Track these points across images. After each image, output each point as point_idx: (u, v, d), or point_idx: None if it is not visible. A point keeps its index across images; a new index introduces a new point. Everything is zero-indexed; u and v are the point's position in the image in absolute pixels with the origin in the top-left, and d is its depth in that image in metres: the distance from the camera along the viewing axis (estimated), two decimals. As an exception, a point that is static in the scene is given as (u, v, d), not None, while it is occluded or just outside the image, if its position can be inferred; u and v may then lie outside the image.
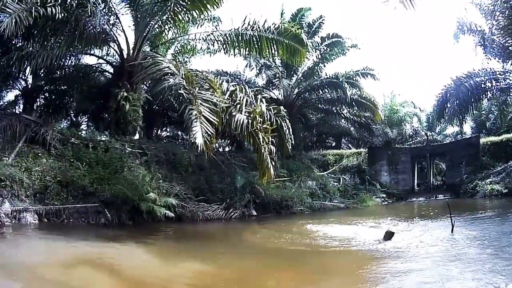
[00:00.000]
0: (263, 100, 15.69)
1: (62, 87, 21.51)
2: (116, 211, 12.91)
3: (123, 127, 17.43)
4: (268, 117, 15.03)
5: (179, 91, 13.13)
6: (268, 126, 13.94)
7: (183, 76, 13.40)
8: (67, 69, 19.92)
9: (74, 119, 24.54)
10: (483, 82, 22.45)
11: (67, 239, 9.67)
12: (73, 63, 19.74)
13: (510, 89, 22.84)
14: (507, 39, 19.83)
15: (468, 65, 53.86)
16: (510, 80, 22.45)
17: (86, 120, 25.13)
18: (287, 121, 16.22)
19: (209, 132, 11.95)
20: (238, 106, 14.20)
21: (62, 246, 8.99)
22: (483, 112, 38.96)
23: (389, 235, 11.12)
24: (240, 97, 14.65)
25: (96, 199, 12.67)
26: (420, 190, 30.37)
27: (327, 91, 28.07)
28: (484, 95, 23.63)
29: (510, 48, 20.05)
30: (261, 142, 13.24)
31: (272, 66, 27.60)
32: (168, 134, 29.48)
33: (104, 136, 16.36)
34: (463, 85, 22.17)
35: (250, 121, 13.51)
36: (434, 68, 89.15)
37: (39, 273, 6.80)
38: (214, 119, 12.34)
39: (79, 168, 13.16)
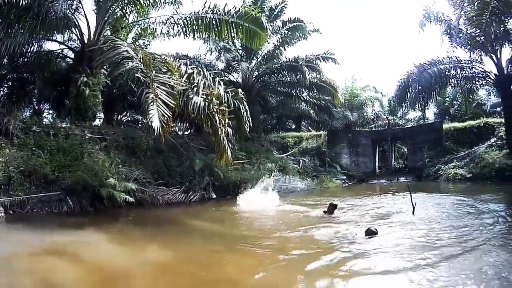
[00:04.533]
0: (221, 82, 16.08)
1: (25, 75, 21.50)
2: (78, 199, 13.15)
3: (83, 112, 17.48)
4: (226, 99, 15.38)
5: (136, 75, 13.31)
6: (225, 108, 14.36)
7: (141, 60, 13.67)
8: (29, 56, 19.85)
9: (37, 107, 24.36)
10: (447, 70, 23.03)
11: (32, 230, 9.94)
12: (35, 50, 19.60)
13: (476, 77, 23.52)
14: (474, 29, 20.39)
15: (433, 53, 54.86)
16: (476, 69, 23.15)
17: (48, 107, 25.01)
18: (245, 103, 16.59)
19: (166, 115, 12.29)
20: (196, 88, 14.54)
21: (28, 237, 9.25)
22: (447, 98, 40.02)
23: (332, 208, 11.91)
24: (198, 80, 14.97)
25: (58, 187, 12.87)
26: (382, 173, 31.22)
27: (287, 75, 28.51)
28: (448, 82, 24.25)
29: (477, 38, 20.61)
30: (218, 124, 13.67)
31: (232, 49, 27.84)
32: (128, 118, 29.43)
33: (65, 123, 16.44)
34: (426, 71, 22.72)
35: (207, 103, 13.90)
36: (398, 54, 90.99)
37: (6, 264, 7.12)
38: (171, 102, 12.68)
39: (40, 157, 13.27)
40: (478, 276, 6.38)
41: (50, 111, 24.49)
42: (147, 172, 16.61)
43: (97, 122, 20.12)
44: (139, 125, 25.73)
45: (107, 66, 19.93)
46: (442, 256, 7.38)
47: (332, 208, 11.85)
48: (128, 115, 29.69)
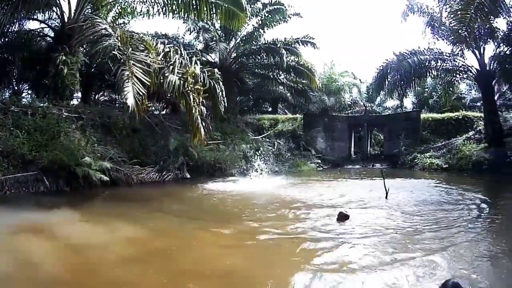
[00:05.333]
0: (198, 62, 16.08)
1: (5, 55, 21.43)
2: (54, 178, 13.18)
3: (60, 91, 17.42)
4: (202, 79, 15.41)
5: (113, 52, 13.42)
6: (200, 87, 14.49)
7: (119, 37, 13.75)
8: (10, 36, 19.84)
9: (16, 88, 24.21)
10: (427, 61, 23.08)
11: (8, 210, 10.04)
12: (16, 30, 19.64)
13: (457, 71, 23.65)
14: (458, 23, 20.44)
15: (415, 44, 55.26)
16: (457, 62, 23.32)
17: (27, 88, 24.87)
18: (221, 83, 16.65)
19: (141, 93, 12.43)
20: (172, 67, 14.61)
21: (4, 216, 9.36)
22: (427, 89, 40.71)
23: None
24: (175, 59, 15.05)
25: (35, 167, 12.89)
26: (357, 158, 31.56)
27: (265, 57, 28.57)
28: (428, 73, 24.23)
29: (459, 31, 20.68)
30: (192, 103, 13.80)
31: (211, 29, 27.68)
32: (105, 98, 29.34)
33: (43, 102, 16.32)
34: (406, 60, 22.71)
35: (182, 82, 14.02)
36: (380, 43, 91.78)
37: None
38: (146, 80, 12.83)
39: (18, 137, 13.25)
40: (446, 252, 6.83)
41: (29, 92, 24.39)
42: (122, 151, 16.72)
43: (75, 101, 20.08)
44: (116, 105, 25.71)
45: (86, 44, 19.88)
46: (410, 237, 7.84)
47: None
48: (105, 94, 29.62)
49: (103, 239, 8.07)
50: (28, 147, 13.06)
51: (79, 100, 22.32)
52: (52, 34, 20.61)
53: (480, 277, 5.81)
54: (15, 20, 18.39)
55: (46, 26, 20.75)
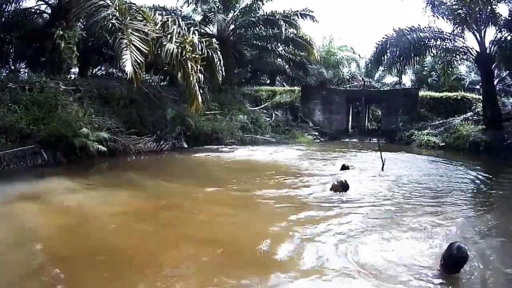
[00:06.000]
0: (196, 32, 16.23)
1: (1, 35, 21.40)
2: (52, 151, 13.32)
3: (58, 66, 17.46)
4: (200, 48, 15.56)
5: (111, 21, 13.62)
6: (197, 56, 14.68)
7: (116, 8, 13.89)
8: (7, 16, 19.86)
9: (13, 67, 24.21)
10: (427, 39, 22.67)
11: (8, 182, 10.25)
12: (12, 9, 19.68)
13: (457, 51, 23.44)
14: (457, 2, 20.27)
15: (415, 21, 54.94)
16: (457, 43, 23.17)
17: (24, 66, 24.84)
18: (219, 53, 16.82)
19: (138, 61, 12.71)
20: (170, 36, 14.81)
21: (4, 188, 9.56)
22: (426, 68, 40.57)
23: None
24: (173, 29, 15.24)
25: (32, 141, 12.98)
26: (355, 132, 31.38)
27: (263, 28, 28.66)
28: (427, 51, 24.01)
29: (459, 11, 20.53)
30: (190, 70, 14.01)
31: (209, 0, 27.81)
32: (102, 72, 29.33)
33: (40, 77, 16.30)
34: (405, 37, 22.41)
35: (180, 50, 14.21)
36: (380, 19, 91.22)
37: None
38: (144, 48, 13.08)
39: (16, 112, 13.31)
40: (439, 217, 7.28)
41: (26, 70, 24.37)
42: (120, 122, 16.86)
43: (72, 76, 20.15)
44: (113, 78, 25.76)
45: (83, 18, 19.88)
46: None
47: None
48: (103, 69, 29.64)
49: (100, 205, 8.45)
50: (26, 121, 13.13)
51: (76, 75, 22.35)
52: (49, 11, 20.61)
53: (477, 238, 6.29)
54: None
55: (43, 2, 20.56)
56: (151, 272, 5.33)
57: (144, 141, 17.36)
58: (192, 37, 15.18)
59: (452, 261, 4.99)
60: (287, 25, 27.14)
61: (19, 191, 9.20)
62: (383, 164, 12.95)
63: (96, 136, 14.22)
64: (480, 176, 12.73)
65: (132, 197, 9.15)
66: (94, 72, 27.64)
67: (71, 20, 17.95)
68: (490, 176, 12.81)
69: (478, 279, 5.12)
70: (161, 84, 23.73)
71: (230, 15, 28.60)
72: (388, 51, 24.19)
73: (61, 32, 17.23)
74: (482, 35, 21.78)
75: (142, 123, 18.07)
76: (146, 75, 21.86)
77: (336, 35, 50.14)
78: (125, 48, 12.60)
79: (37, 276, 5.08)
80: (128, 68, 12.16)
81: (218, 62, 16.52)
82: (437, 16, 22.60)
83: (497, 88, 28.42)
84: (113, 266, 5.46)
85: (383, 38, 24.15)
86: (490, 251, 6.00)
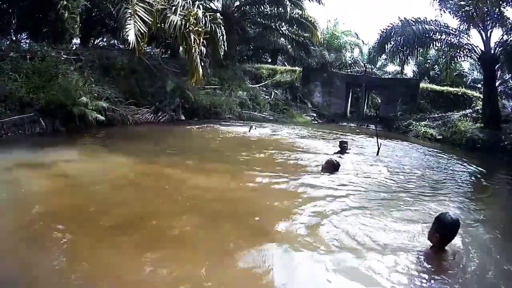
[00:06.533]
0: (200, 6, 16.16)
1: (4, 5, 21.15)
2: (51, 119, 13.46)
3: (60, 35, 17.58)
4: (204, 22, 15.47)
5: (116, -11, 13.81)
6: (201, 29, 14.70)
7: (122, -22, 14.07)
8: None
9: (14, 38, 24.17)
10: (432, 32, 22.41)
11: (5, 150, 10.32)
12: None
13: (461, 47, 23.39)
14: (466, 0, 20.25)
15: (422, 13, 55.04)
16: (462, 39, 22.98)
17: (25, 37, 24.77)
18: (222, 28, 16.78)
19: (142, 31, 12.82)
20: (174, 8, 14.79)
21: (2, 155, 9.67)
22: (429, 60, 40.43)
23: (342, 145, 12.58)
24: (177, 1, 15.17)
25: (32, 109, 13.11)
26: (353, 117, 31.40)
27: (268, 7, 28.63)
28: (431, 44, 23.79)
29: (466, 8, 20.46)
30: (192, 43, 14.08)
31: (216, -24, 27.78)
32: (104, 44, 29.31)
33: (41, 47, 16.30)
34: (410, 27, 22.25)
35: (184, 22, 14.23)
36: (387, 8, 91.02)
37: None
38: (148, 19, 13.19)
39: (16, 80, 13.38)
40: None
41: (27, 41, 24.31)
42: (120, 92, 17.09)
43: (74, 47, 20.17)
44: (115, 49, 25.76)
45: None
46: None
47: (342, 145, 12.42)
48: (105, 40, 29.62)
49: (96, 172, 8.73)
50: (26, 89, 13.26)
51: (78, 45, 22.35)
52: None
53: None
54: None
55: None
56: (141, 228, 5.66)
57: (142, 112, 17.65)
58: (197, 11, 15.23)
59: (448, 228, 4.88)
60: (292, 5, 27.23)
61: (18, 158, 9.35)
62: (378, 149, 13.17)
63: (95, 105, 14.39)
64: (474, 170, 12.95)
65: (126, 166, 9.37)
66: (96, 43, 27.63)
67: (76, -11, 17.91)
68: (485, 172, 12.95)
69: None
70: (162, 56, 23.78)
71: (236, -9, 28.43)
72: (392, 39, 24.05)
73: (65, 2, 17.14)
74: (488, 35, 21.67)
75: (142, 94, 18.27)
76: (148, 48, 21.92)
77: (341, 19, 49.77)
78: (129, 18, 12.67)
79: (29, 228, 5.40)
80: (131, 37, 12.26)
81: (221, 37, 16.50)
82: (444, 10, 22.53)
83: (499, 90, 28.40)
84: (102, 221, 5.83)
85: (388, 26, 24.03)
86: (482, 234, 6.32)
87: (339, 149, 12.39)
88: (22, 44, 20.02)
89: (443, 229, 4.87)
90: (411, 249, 5.26)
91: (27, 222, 5.59)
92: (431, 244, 5.06)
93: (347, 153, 12.21)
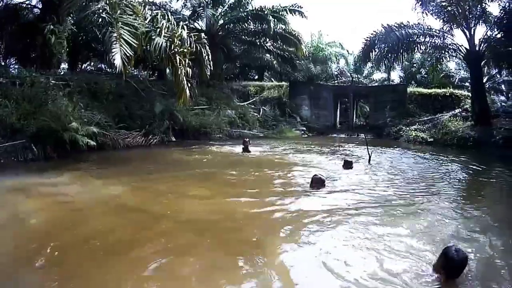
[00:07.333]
0: (185, 27, 16.37)
1: None
2: (42, 145, 13.45)
3: (48, 60, 17.70)
4: (188, 43, 15.73)
5: (102, 15, 14.02)
6: (186, 50, 14.93)
7: (107, 2, 14.29)
8: None
9: (3, 63, 24.28)
10: (416, 35, 22.88)
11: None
12: (5, 4, 19.88)
13: (446, 48, 23.61)
14: (447, 0, 20.55)
15: (405, 19, 55.60)
16: (446, 40, 23.27)
17: (14, 62, 24.87)
18: (207, 47, 17.01)
19: (128, 54, 13.02)
20: (159, 30, 15.09)
21: None
22: (415, 64, 40.87)
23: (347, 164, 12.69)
24: (162, 23, 15.49)
25: (23, 135, 13.12)
26: (342, 128, 31.64)
27: (252, 24, 28.75)
28: (416, 48, 24.15)
29: (449, 8, 20.76)
30: (178, 64, 14.28)
31: (199, -5, 28.01)
32: (92, 68, 29.50)
33: (30, 72, 16.33)
34: (394, 33, 22.50)
35: (169, 44, 14.51)
36: (369, 17, 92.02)
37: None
38: (134, 42, 13.37)
39: (7, 106, 13.44)
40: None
41: (16, 66, 24.40)
42: (109, 116, 17.16)
43: (62, 71, 20.32)
44: (102, 74, 25.91)
45: (74, 13, 20.03)
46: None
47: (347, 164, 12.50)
48: (92, 64, 29.81)
49: (88, 197, 8.76)
50: (16, 116, 13.30)
51: (65, 69, 22.51)
52: (39, 6, 20.49)
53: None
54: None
55: (35, -4, 20.72)
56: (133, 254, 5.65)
57: (133, 135, 17.71)
58: (181, 32, 15.42)
59: (456, 267, 4.65)
60: (275, 20, 27.31)
61: (10, 183, 9.46)
62: (369, 157, 13.41)
63: (85, 131, 14.39)
64: (469, 168, 13.33)
65: (117, 190, 9.43)
66: (83, 67, 27.78)
67: (62, 14, 18.04)
68: (478, 169, 13.26)
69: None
70: (150, 79, 23.93)
71: (219, 10, 28.86)
72: (376, 47, 24.29)
73: (51, 27, 17.26)
74: (472, 33, 21.99)
75: (131, 118, 18.39)
76: (135, 70, 22.11)
77: (325, 31, 50.49)
78: (115, 42, 12.92)
79: (21, 252, 5.51)
80: (118, 61, 12.46)
81: (207, 57, 16.70)
82: (426, 13, 22.84)
83: (487, 86, 28.72)
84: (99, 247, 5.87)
85: (371, 34, 24.25)
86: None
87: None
88: (11, 69, 20.21)
89: (450, 268, 4.68)
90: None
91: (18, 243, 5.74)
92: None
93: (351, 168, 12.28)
